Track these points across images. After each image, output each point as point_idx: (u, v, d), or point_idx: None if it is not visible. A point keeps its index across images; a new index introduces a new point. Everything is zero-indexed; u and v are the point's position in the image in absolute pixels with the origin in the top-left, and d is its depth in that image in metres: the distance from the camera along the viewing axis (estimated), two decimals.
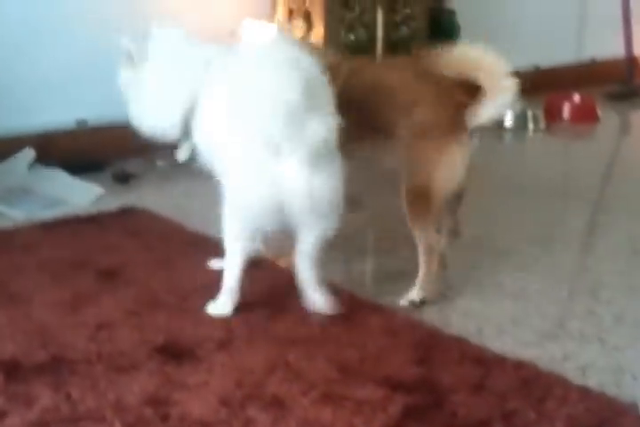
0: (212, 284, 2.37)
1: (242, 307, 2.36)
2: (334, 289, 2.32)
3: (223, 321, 2.31)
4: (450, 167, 2.32)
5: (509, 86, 2.29)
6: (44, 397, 1.94)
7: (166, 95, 2.39)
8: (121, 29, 3.63)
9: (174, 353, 2.15)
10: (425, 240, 2.37)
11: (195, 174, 2.45)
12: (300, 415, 1.91)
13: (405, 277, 2.46)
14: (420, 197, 2.33)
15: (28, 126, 3.50)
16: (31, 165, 3.45)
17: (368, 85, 2.41)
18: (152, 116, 2.44)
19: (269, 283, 2.51)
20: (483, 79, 2.29)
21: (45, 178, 3.41)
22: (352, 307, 2.38)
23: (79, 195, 3.29)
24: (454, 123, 2.31)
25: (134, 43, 2.46)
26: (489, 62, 2.33)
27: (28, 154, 3.46)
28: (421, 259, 2.40)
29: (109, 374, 2.05)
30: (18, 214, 3.07)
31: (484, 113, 2.30)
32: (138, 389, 1.99)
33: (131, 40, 2.47)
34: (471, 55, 2.35)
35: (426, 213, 2.34)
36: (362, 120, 2.32)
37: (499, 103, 2.31)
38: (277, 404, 1.94)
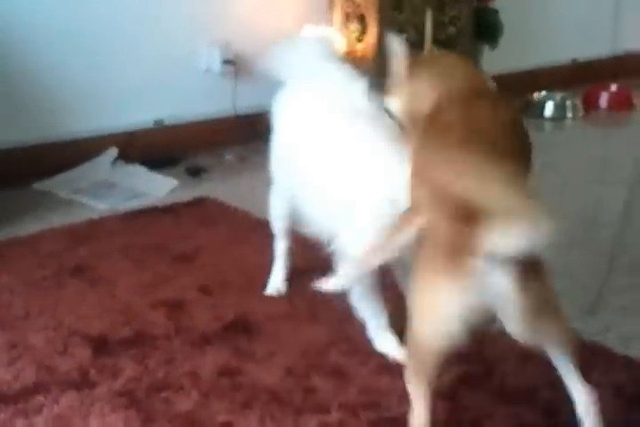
0: None
1: (304, 286, 2.36)
2: None
3: (287, 298, 2.31)
4: (434, 315, 1.43)
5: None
6: (129, 369, 1.97)
7: None
8: (195, 37, 3.70)
9: (243, 328, 2.16)
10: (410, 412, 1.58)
11: (258, 168, 2.45)
12: (360, 384, 1.91)
13: None
14: (413, 354, 1.55)
15: (112, 127, 3.54)
16: (114, 162, 3.49)
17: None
18: None
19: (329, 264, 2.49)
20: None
21: (127, 173, 3.44)
22: None
23: (156, 188, 3.31)
24: (457, 244, 1.36)
25: None
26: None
27: (112, 152, 3.50)
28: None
29: (186, 347, 2.07)
30: (103, 206, 3.11)
31: (502, 239, 1.31)
32: (212, 361, 2.00)
33: None
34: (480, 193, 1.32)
35: (418, 377, 1.55)
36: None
37: (523, 231, 1.29)
38: (338, 373, 1.94)
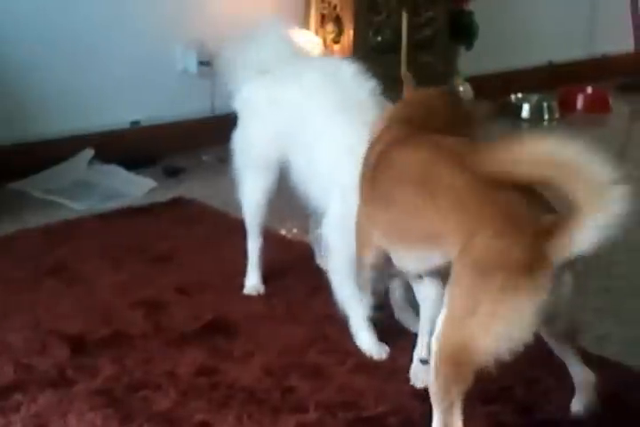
0: None
1: (282, 286, 2.37)
2: None
3: (266, 298, 2.33)
4: (508, 324, 1.47)
5: (617, 198, 1.40)
6: (107, 368, 1.98)
7: None
8: (171, 39, 3.71)
9: (222, 328, 2.18)
10: (441, 424, 1.57)
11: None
12: (338, 383, 1.93)
13: None
14: (455, 364, 1.53)
15: (89, 127, 3.54)
16: (90, 162, 3.49)
17: (410, 177, 1.69)
18: None
19: (307, 264, 2.51)
20: (576, 189, 1.40)
21: (104, 173, 3.44)
22: None
23: (134, 188, 3.32)
24: (530, 258, 1.45)
25: None
26: (585, 164, 1.43)
27: (88, 152, 3.50)
28: None
29: (164, 347, 2.08)
30: (80, 206, 3.11)
31: (578, 240, 1.42)
32: (190, 360, 2.02)
33: None
34: (557, 153, 1.45)
35: (457, 388, 1.54)
36: (403, 222, 1.71)
37: (601, 224, 1.40)
38: (316, 373, 1.96)
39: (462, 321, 1.50)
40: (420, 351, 1.95)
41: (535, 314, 1.46)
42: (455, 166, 1.58)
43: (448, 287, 1.56)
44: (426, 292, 1.92)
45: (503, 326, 1.47)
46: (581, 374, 1.77)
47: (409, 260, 1.76)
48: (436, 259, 1.64)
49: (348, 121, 2.04)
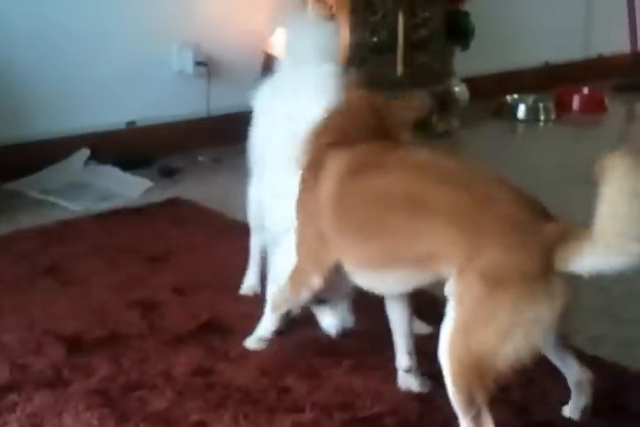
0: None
1: None
2: None
3: (261, 299, 2.33)
4: (528, 332, 1.50)
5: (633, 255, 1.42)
6: (103, 368, 1.98)
7: None
8: (167, 39, 3.71)
9: (217, 328, 2.18)
10: None
11: (232, 169, 2.45)
12: (333, 384, 1.93)
13: None
14: (477, 375, 1.54)
15: (84, 128, 3.54)
16: (86, 163, 3.49)
17: (391, 190, 1.65)
18: None
19: None
20: (602, 210, 1.42)
21: (99, 174, 3.44)
22: None
23: (129, 188, 3.32)
24: (542, 267, 1.49)
25: None
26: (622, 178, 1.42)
27: (84, 152, 3.50)
28: None
29: (160, 347, 2.08)
30: (76, 207, 3.11)
31: (588, 260, 1.47)
32: (186, 360, 2.02)
33: None
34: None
35: (481, 395, 1.55)
36: (371, 232, 1.68)
37: (617, 250, 1.42)
38: (312, 373, 1.96)
39: (476, 333, 1.51)
40: (400, 362, 1.95)
41: (554, 318, 1.50)
42: (450, 186, 1.59)
43: (455, 303, 1.55)
44: (396, 310, 1.92)
45: (523, 334, 1.49)
46: (578, 374, 1.77)
47: (390, 282, 1.74)
48: (424, 278, 1.66)
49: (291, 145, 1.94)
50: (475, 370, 1.53)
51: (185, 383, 1.92)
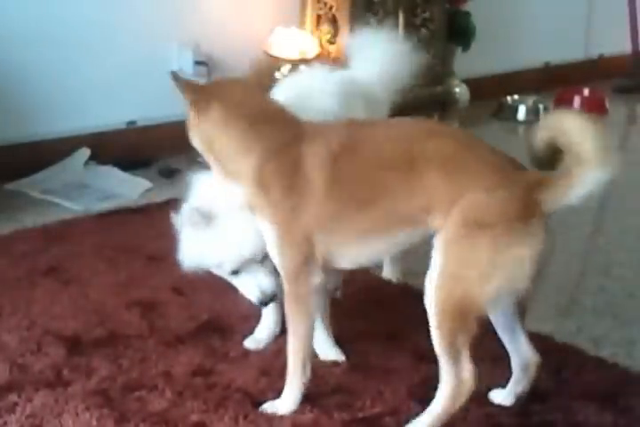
0: None
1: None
2: None
3: None
4: (509, 272, 1.58)
5: (614, 163, 1.57)
6: (103, 368, 1.98)
7: None
8: (167, 38, 3.71)
9: (217, 328, 2.18)
10: (454, 374, 1.66)
11: None
12: (333, 384, 1.93)
13: None
14: (459, 315, 1.62)
15: (84, 128, 3.54)
16: (86, 163, 3.49)
17: (384, 156, 1.69)
18: None
19: None
20: (583, 150, 1.56)
21: (99, 174, 3.44)
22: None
23: (129, 189, 3.32)
24: (525, 208, 1.59)
25: None
26: (597, 133, 1.57)
27: (84, 153, 3.50)
28: (441, 398, 1.69)
29: (160, 347, 2.08)
30: (76, 207, 3.11)
31: (572, 193, 1.58)
32: (185, 361, 2.02)
33: None
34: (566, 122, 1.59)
35: (462, 337, 1.63)
36: (373, 201, 1.69)
37: (596, 181, 1.56)
38: (312, 374, 1.95)
39: (463, 274, 1.59)
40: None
41: (533, 262, 1.58)
42: (434, 139, 1.66)
43: (440, 247, 1.62)
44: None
45: (504, 274, 1.57)
46: (527, 356, 1.80)
47: (383, 247, 1.77)
48: (416, 237, 1.71)
49: None
50: (457, 312, 1.60)
51: (185, 384, 1.92)
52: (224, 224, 1.86)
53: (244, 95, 1.79)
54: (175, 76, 1.79)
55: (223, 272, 1.93)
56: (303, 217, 1.71)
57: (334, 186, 1.69)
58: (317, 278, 1.77)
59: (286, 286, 1.78)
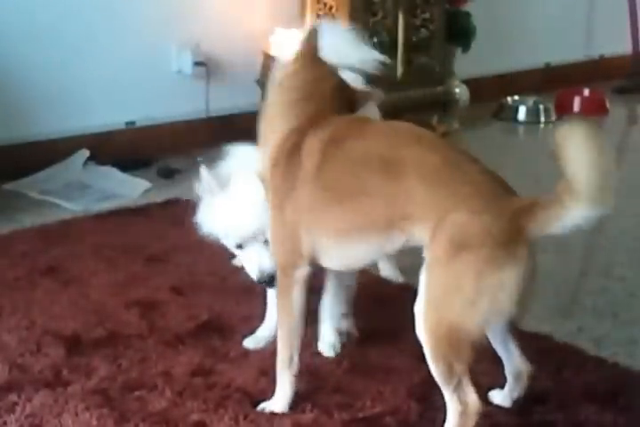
0: None
1: None
2: None
3: (260, 299, 2.33)
4: (494, 297, 1.52)
5: (608, 204, 1.46)
6: (102, 368, 1.98)
7: None
8: (166, 39, 3.72)
9: (217, 328, 2.18)
10: (457, 400, 1.62)
11: None
12: (334, 384, 1.93)
13: None
14: (450, 344, 1.57)
15: (84, 128, 3.54)
16: (86, 163, 3.50)
17: (369, 153, 1.66)
18: None
19: None
20: (573, 173, 1.48)
21: (99, 174, 3.45)
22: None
23: (129, 189, 3.32)
24: (509, 233, 1.52)
25: None
26: (589, 152, 1.48)
27: (83, 153, 3.51)
28: (450, 425, 1.65)
29: (159, 347, 2.08)
30: (75, 207, 3.11)
31: (560, 224, 1.50)
32: (185, 360, 2.02)
33: None
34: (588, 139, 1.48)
35: (460, 365, 1.59)
36: (352, 197, 1.67)
37: (584, 218, 1.47)
38: (312, 373, 1.96)
39: (448, 300, 1.55)
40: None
41: (518, 287, 1.52)
42: (424, 147, 1.63)
43: (426, 269, 1.58)
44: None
45: (489, 300, 1.52)
46: (519, 365, 1.80)
47: (364, 251, 1.73)
48: (396, 244, 1.66)
49: None
50: (448, 341, 1.56)
51: (184, 383, 1.92)
52: (236, 193, 1.92)
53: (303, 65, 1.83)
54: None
55: (230, 244, 1.98)
56: (293, 206, 1.73)
57: (321, 174, 1.70)
58: (303, 272, 1.78)
59: (277, 276, 1.82)
